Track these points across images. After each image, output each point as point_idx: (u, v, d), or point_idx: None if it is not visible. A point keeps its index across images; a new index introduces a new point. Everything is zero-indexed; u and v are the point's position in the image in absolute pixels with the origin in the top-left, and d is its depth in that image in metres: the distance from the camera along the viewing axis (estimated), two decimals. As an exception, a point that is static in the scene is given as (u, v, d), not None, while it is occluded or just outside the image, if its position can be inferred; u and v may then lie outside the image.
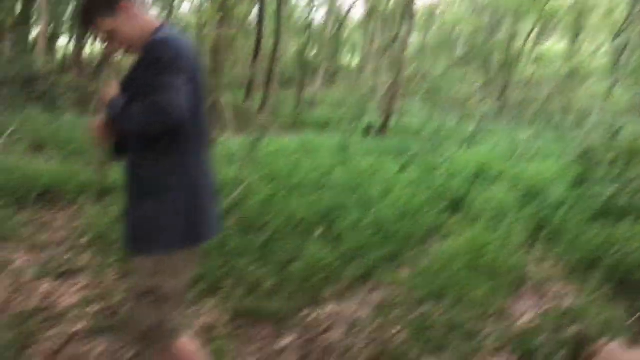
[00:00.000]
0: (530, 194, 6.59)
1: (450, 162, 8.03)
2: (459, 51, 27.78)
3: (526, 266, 4.58)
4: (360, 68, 27.08)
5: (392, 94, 13.37)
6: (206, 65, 6.06)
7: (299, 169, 6.81)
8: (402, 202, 5.70)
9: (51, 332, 2.86)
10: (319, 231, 4.75)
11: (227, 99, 7.50)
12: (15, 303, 3.13)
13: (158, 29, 1.96)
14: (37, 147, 7.06)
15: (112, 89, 1.91)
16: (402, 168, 7.58)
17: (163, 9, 21.00)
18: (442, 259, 4.49)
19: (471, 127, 12.24)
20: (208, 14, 6.42)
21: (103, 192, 5.17)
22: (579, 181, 6.97)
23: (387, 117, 13.06)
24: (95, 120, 1.97)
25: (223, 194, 5.36)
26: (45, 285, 3.38)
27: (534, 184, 7.01)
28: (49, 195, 5.06)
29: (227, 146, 7.24)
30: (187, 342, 2.07)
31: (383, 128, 12.83)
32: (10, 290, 3.24)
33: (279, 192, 5.58)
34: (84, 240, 4.20)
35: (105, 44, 1.98)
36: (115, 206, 4.77)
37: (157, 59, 1.81)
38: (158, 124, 1.79)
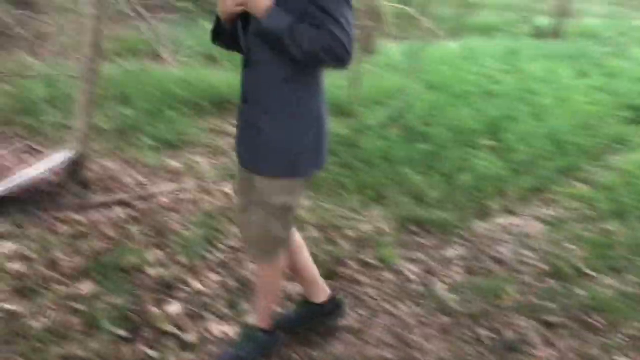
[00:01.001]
0: None
1: (637, 67, 7.15)
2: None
3: None
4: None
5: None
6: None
7: (464, 76, 6.50)
8: (580, 111, 5.23)
9: (235, 230, 3.09)
10: (487, 142, 4.55)
11: (386, 4, 7.24)
12: (202, 202, 3.43)
13: None
14: (210, 59, 7.46)
15: None
16: (580, 74, 6.90)
17: None
18: (626, 174, 4.10)
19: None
20: None
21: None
22: None
23: (561, 19, 11.86)
24: None
25: (384, 104, 5.32)
26: (226, 188, 3.65)
27: None
28: (223, 105, 5.35)
29: (388, 54, 7.10)
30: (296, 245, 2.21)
31: (556, 31, 11.71)
32: (197, 190, 3.55)
33: (444, 101, 5.40)
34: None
35: None
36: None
37: None
38: (332, 61, 1.72)
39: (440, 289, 2.73)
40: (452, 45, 8.91)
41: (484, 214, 3.56)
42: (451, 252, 3.11)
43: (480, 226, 3.41)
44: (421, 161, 4.11)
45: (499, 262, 3.03)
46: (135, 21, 7.30)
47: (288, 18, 1.69)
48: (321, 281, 2.34)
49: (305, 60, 1.76)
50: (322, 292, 2.33)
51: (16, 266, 2.57)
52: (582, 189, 3.95)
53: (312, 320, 2.34)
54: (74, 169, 3.46)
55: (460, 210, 3.53)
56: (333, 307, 2.36)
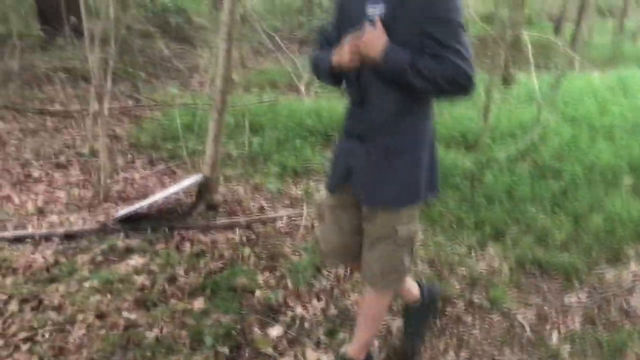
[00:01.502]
0: None
1: None
2: None
3: None
4: None
5: None
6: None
7: (609, 109, 6.03)
8: None
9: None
10: (627, 181, 4.17)
11: (531, 33, 6.99)
12: (315, 229, 3.51)
13: None
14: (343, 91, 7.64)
15: (377, 30, 1.71)
16: None
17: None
18: None
19: None
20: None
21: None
22: None
23: None
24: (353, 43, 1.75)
25: (518, 136, 5.10)
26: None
27: None
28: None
29: (527, 84, 6.80)
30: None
31: None
32: (312, 216, 3.64)
33: (582, 135, 5.05)
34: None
35: None
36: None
37: (448, 10, 1.68)
38: (456, 91, 1.72)
39: (553, 337, 2.55)
40: (601, 76, 8.33)
41: (615, 259, 3.26)
42: (572, 298, 2.89)
43: (609, 273, 3.13)
44: (549, 199, 3.88)
45: (627, 314, 2.76)
46: (276, 54, 7.76)
47: (406, 55, 1.69)
48: (408, 283, 2.33)
49: (430, 93, 1.79)
50: (414, 290, 2.36)
51: (141, 279, 2.82)
52: None
53: (422, 320, 2.43)
54: (204, 192, 3.73)
55: (588, 254, 3.27)
56: (428, 298, 2.40)
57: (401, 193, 1.90)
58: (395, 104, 1.82)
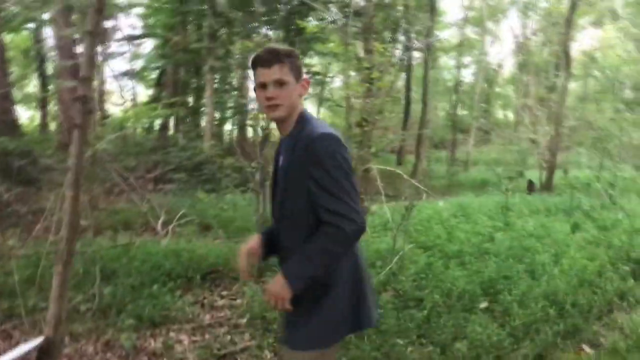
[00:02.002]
0: None
1: (630, 219, 7.13)
2: (628, 94, 25.37)
3: None
4: (516, 123, 25.91)
5: (553, 147, 12.51)
6: (355, 136, 6.09)
7: (456, 235, 6.46)
8: (578, 267, 5.10)
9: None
10: (483, 305, 4.36)
11: (377, 166, 7.46)
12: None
13: (305, 116, 1.98)
14: (204, 228, 7.48)
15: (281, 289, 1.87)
16: (574, 228, 6.87)
17: (316, 84, 21.78)
18: (633, 334, 3.86)
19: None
20: (354, 87, 6.52)
21: (261, 270, 5.26)
22: None
23: (551, 172, 12.20)
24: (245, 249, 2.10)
25: (377, 266, 5.20)
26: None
27: None
28: (213, 275, 5.25)
29: (380, 215, 7.13)
30: None
31: (547, 184, 11.98)
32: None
33: (436, 262, 5.29)
34: (243, 320, 4.24)
35: (260, 97, 1.98)
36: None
37: (329, 158, 1.81)
38: (352, 244, 1.86)
39: None
40: (444, 203, 9.03)
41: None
42: None
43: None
44: (414, 330, 3.90)
45: None
46: (130, 194, 7.50)
47: (302, 276, 1.84)
48: None
49: (338, 253, 1.86)
50: None
51: None
52: (588, 352, 3.70)
53: None
54: (45, 358, 3.25)
55: (459, 385, 3.27)
56: None
57: (305, 337, 1.91)
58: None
